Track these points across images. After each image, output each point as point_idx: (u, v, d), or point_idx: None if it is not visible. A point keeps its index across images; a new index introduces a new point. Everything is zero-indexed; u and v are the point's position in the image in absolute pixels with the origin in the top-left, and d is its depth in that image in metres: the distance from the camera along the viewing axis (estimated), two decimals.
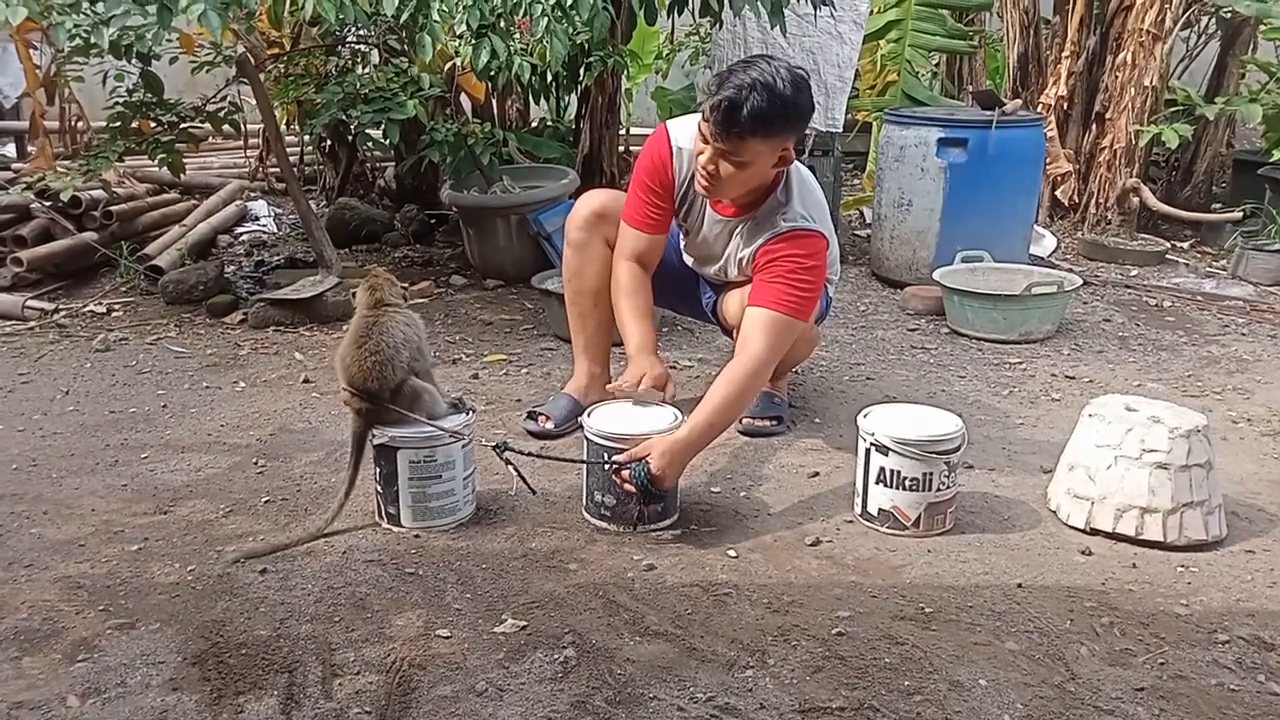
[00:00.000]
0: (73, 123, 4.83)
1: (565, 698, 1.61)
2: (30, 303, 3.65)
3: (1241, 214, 4.70)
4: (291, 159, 4.83)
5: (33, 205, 3.99)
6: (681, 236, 2.59)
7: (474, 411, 2.25)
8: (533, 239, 3.95)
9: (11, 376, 3.05)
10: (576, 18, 3.06)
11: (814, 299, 2.35)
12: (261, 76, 3.92)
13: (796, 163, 2.36)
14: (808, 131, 4.41)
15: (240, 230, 4.86)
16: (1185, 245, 4.83)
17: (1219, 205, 5.16)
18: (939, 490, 2.12)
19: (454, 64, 3.73)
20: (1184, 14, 4.90)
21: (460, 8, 3.00)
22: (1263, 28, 4.84)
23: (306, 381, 3.01)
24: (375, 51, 4.38)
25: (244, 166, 5.74)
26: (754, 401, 2.49)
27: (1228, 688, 1.66)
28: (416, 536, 2.11)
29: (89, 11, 2.98)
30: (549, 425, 2.62)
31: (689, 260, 2.62)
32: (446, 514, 2.15)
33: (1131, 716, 1.59)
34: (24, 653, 1.72)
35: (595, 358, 2.72)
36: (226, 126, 3.90)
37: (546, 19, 2.99)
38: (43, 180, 3.83)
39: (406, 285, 4.00)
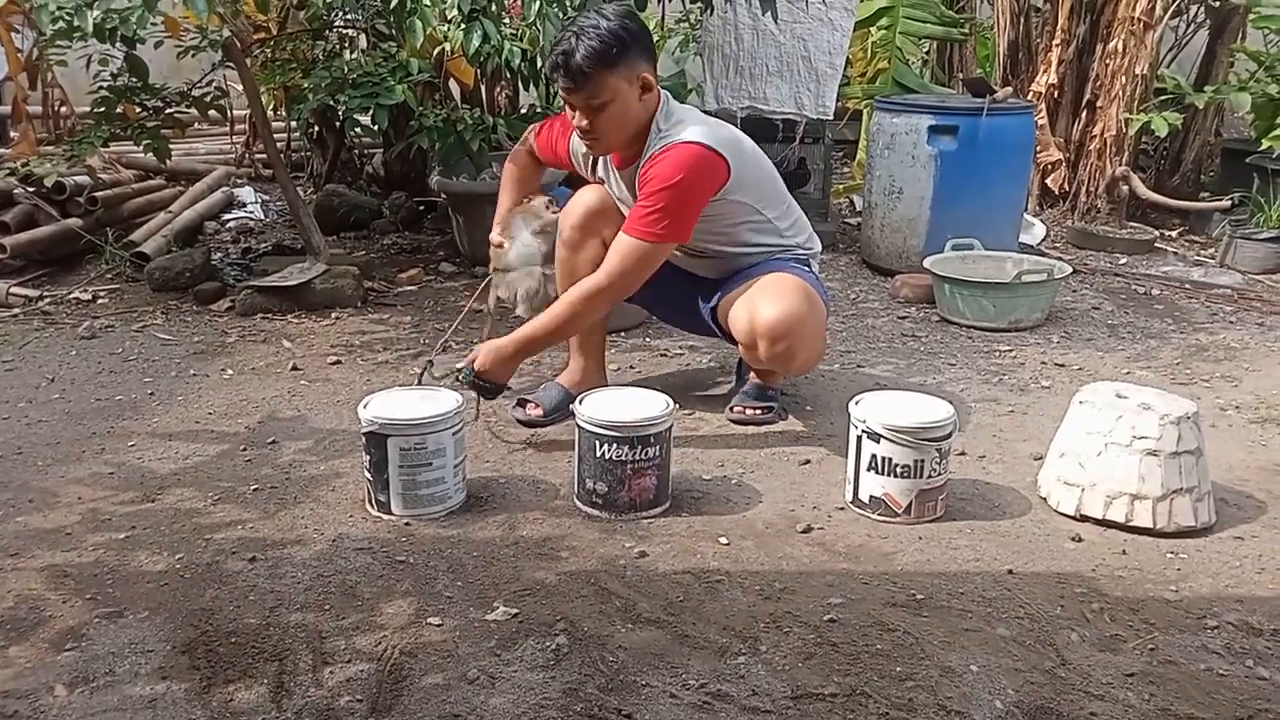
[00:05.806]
0: (56, 108, 4.77)
1: (557, 685, 1.61)
2: (14, 289, 3.61)
3: (1230, 202, 4.71)
4: (279, 145, 4.79)
5: (16, 191, 3.95)
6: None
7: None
8: None
9: None
10: (568, 2, 3.04)
11: (678, 219, 2.30)
12: (248, 61, 3.88)
13: (671, 99, 2.43)
14: (798, 119, 4.44)
15: (227, 217, 4.81)
16: (1174, 234, 4.84)
17: (1208, 194, 5.17)
18: (930, 477, 2.12)
19: (443, 49, 3.69)
20: (1174, 2, 4.90)
21: None
22: (1252, 16, 4.83)
23: (294, 369, 2.99)
24: (363, 36, 4.34)
25: (230, 152, 5.69)
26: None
27: (1216, 672, 1.67)
28: (406, 524, 2.11)
29: None
30: (538, 413, 2.61)
31: None
32: (437, 502, 2.14)
33: (1121, 701, 1.60)
34: (10, 642, 1.71)
35: (589, 353, 2.71)
36: (213, 112, 3.86)
37: (539, 3, 2.97)
38: (26, 166, 3.79)
39: (394, 271, 3.99)
